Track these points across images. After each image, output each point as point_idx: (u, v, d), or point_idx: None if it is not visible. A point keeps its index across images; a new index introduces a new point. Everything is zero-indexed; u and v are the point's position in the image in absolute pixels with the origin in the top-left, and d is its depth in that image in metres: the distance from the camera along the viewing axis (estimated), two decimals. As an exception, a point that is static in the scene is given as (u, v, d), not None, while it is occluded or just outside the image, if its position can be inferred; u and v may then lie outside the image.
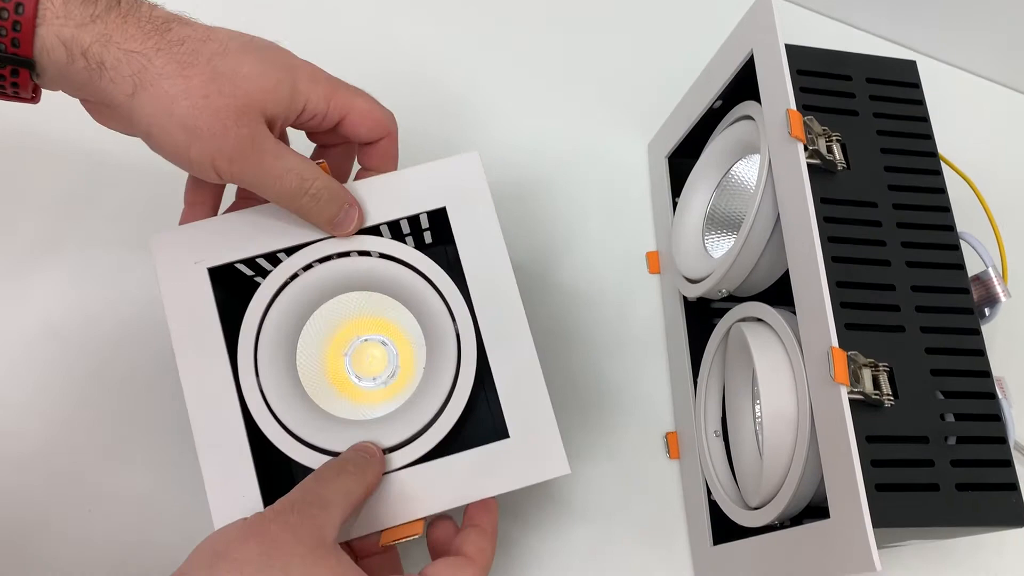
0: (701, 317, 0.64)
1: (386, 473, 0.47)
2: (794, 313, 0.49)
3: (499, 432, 0.48)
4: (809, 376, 0.47)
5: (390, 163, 0.52)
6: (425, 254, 0.50)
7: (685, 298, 0.64)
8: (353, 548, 0.49)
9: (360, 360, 0.53)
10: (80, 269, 0.63)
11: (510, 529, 0.61)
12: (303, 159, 0.47)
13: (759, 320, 0.53)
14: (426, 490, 0.47)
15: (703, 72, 0.62)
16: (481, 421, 0.53)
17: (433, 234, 0.56)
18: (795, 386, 0.48)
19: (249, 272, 0.52)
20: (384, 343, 0.53)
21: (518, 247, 0.68)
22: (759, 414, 0.56)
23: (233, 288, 0.51)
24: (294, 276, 0.50)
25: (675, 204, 0.66)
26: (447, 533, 0.48)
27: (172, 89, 0.42)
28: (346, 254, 0.50)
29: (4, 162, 0.66)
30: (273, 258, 0.51)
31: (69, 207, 0.65)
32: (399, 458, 0.48)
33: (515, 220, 0.69)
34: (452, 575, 0.44)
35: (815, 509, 0.49)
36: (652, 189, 0.70)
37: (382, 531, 0.47)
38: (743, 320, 0.54)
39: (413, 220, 0.52)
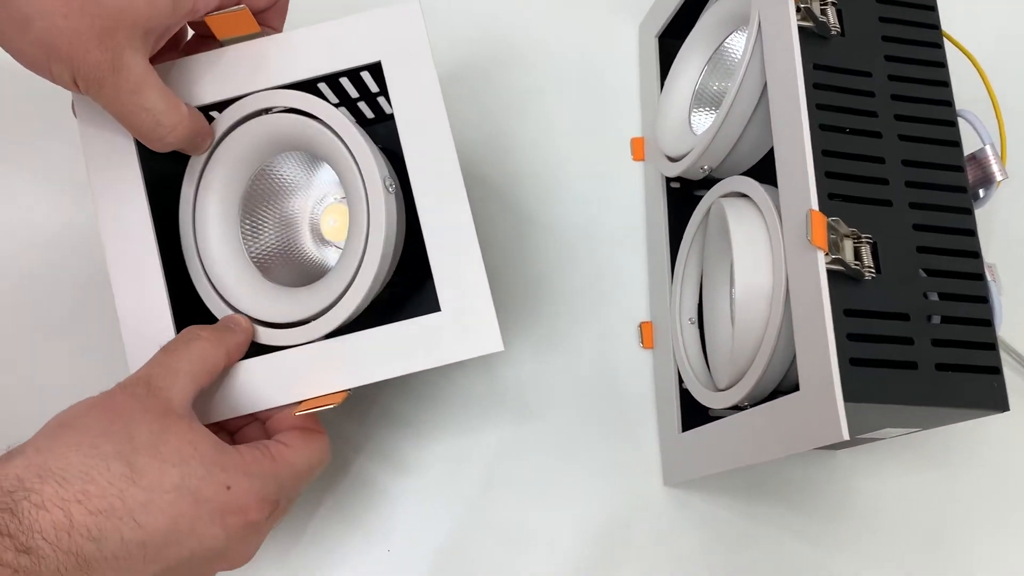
0: (683, 204, 0.61)
1: (301, 345, 0.45)
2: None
3: (430, 307, 0.45)
4: (787, 245, 0.44)
5: (283, 20, 0.49)
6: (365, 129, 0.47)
7: (668, 184, 0.61)
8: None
9: (324, 222, 0.51)
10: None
11: (472, 424, 0.59)
12: (166, 97, 0.43)
13: (741, 196, 0.50)
14: (350, 362, 0.45)
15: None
16: (425, 297, 0.50)
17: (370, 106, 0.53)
18: (772, 261, 0.46)
19: None
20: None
21: (489, 130, 0.65)
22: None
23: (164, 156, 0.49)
24: (226, 133, 0.47)
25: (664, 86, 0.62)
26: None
27: (27, 8, 0.38)
28: (266, 111, 0.47)
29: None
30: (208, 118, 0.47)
31: None
32: (313, 330, 0.46)
33: (487, 100, 0.65)
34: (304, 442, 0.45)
35: (782, 394, 0.47)
36: (641, 72, 0.67)
37: (299, 402, 0.45)
38: (724, 196, 0.51)
39: (358, 85, 0.49)
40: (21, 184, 0.62)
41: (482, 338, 0.44)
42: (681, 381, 0.56)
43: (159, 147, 0.44)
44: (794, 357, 0.45)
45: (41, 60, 0.40)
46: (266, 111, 0.47)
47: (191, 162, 0.47)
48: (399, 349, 0.45)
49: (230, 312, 0.46)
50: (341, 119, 0.45)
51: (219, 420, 0.46)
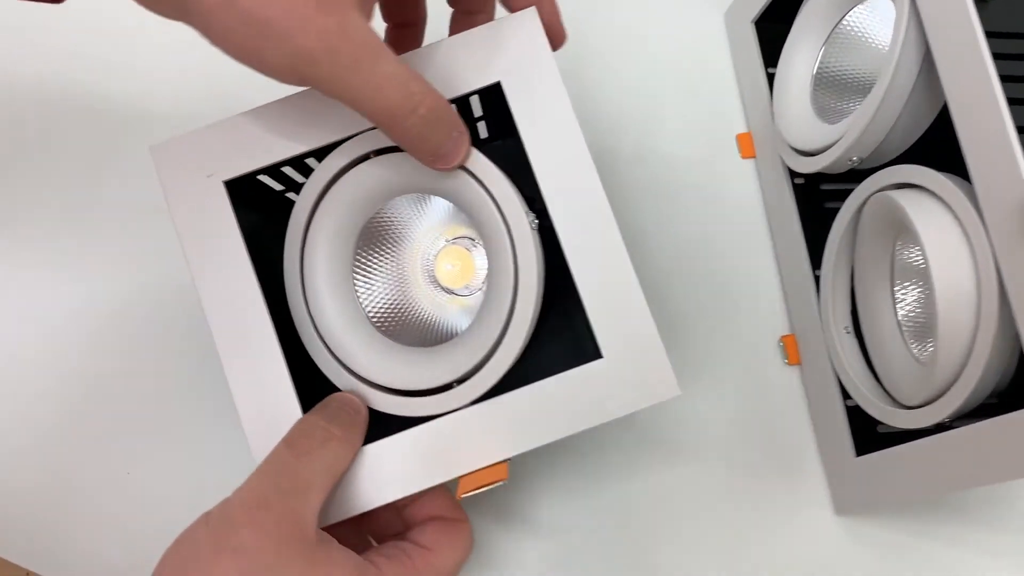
0: (812, 200, 0.55)
1: (449, 413, 0.40)
2: (951, 174, 0.41)
3: (588, 354, 0.40)
4: (995, 240, 0.38)
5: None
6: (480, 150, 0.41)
7: (793, 180, 0.55)
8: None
9: (440, 268, 0.46)
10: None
11: (612, 472, 0.53)
12: (406, 65, 0.36)
13: (910, 187, 0.44)
14: (508, 427, 0.39)
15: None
16: (565, 344, 0.45)
17: (490, 125, 0.46)
18: (972, 259, 0.40)
19: (278, 187, 0.44)
20: (468, 245, 0.45)
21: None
22: (905, 301, 0.48)
23: (259, 208, 0.43)
24: (332, 182, 0.41)
25: (770, 76, 0.57)
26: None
27: None
28: (384, 151, 0.41)
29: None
30: (304, 166, 0.42)
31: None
32: (462, 395, 0.40)
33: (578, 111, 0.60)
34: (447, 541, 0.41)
35: (989, 407, 0.42)
36: (736, 63, 0.61)
37: (460, 478, 0.39)
38: (883, 190, 0.45)
39: (462, 106, 0.43)
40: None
41: (655, 383, 0.39)
42: (845, 396, 0.51)
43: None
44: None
45: (251, 42, 0.33)
46: (381, 151, 0.41)
47: (294, 215, 0.41)
48: (562, 405, 0.39)
49: (356, 382, 0.41)
50: (480, 157, 0.40)
51: (347, 518, 0.40)
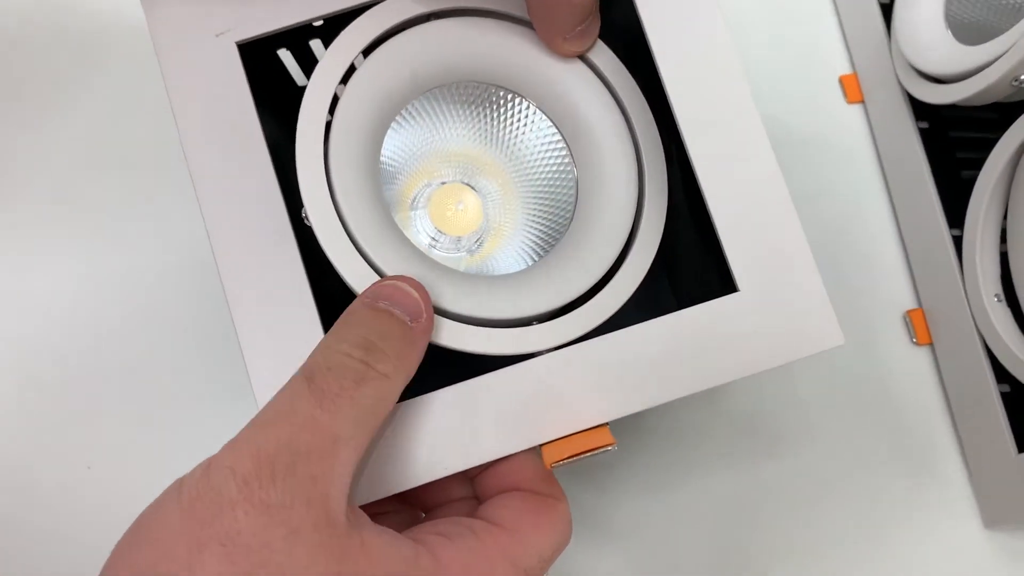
0: (941, 148, 0.46)
1: (535, 355, 0.29)
2: None
3: (717, 287, 0.30)
4: None
5: None
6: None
7: (917, 123, 0.46)
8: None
9: (442, 211, 0.36)
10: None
11: (694, 469, 0.44)
12: None
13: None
14: (619, 377, 0.29)
15: None
16: (684, 278, 0.35)
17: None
18: None
19: (291, 61, 0.35)
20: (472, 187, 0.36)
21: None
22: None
23: (266, 90, 0.33)
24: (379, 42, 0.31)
25: (882, 6, 0.48)
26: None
27: None
28: (449, 12, 0.32)
29: None
30: (331, 34, 0.32)
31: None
32: (552, 335, 0.30)
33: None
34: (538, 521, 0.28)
35: None
36: (836, -6, 0.52)
37: (546, 444, 0.29)
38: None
39: None
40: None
41: (811, 327, 0.29)
42: (999, 378, 0.41)
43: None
44: None
45: None
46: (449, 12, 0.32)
47: (318, 74, 0.31)
48: (687, 351, 0.29)
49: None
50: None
51: (392, 494, 0.29)
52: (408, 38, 0.31)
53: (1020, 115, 0.39)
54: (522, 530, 0.28)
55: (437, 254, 0.36)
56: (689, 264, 0.34)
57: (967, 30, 0.43)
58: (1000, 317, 0.41)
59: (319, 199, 0.29)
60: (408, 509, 0.32)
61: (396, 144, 0.34)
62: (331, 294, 0.30)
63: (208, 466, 0.24)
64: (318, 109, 0.30)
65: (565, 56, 0.32)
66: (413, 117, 0.34)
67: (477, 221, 0.36)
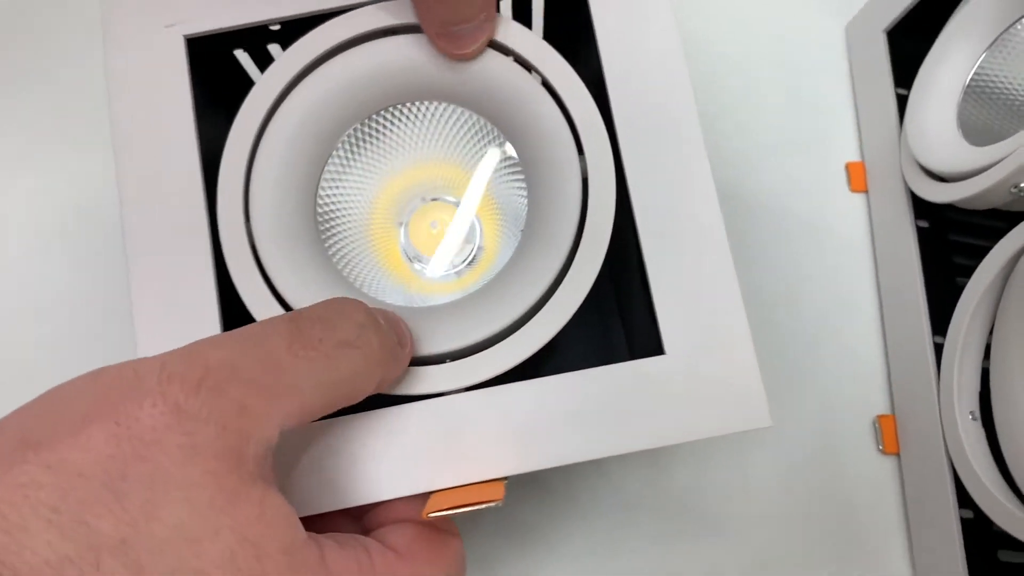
0: (937, 250, 0.44)
1: (440, 395, 0.27)
2: None
3: (639, 349, 0.28)
4: None
5: None
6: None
7: (916, 223, 0.44)
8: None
9: (419, 231, 0.35)
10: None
11: (620, 542, 0.41)
12: None
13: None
14: (525, 429, 0.27)
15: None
16: (594, 341, 0.33)
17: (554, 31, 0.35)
18: None
19: (249, 63, 0.33)
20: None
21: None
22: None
23: (218, 91, 0.32)
24: (311, 67, 0.30)
25: (899, 97, 0.46)
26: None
27: None
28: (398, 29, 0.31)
29: None
30: (288, 38, 0.31)
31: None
32: (466, 372, 0.28)
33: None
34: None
35: None
36: (855, 80, 0.50)
37: (431, 493, 0.27)
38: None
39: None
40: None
41: (739, 405, 0.27)
42: (961, 502, 0.38)
43: None
44: None
45: None
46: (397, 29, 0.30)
47: (257, 90, 0.30)
48: (605, 410, 0.27)
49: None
50: (544, 48, 0.29)
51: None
52: (348, 59, 0.30)
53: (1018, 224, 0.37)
54: (417, 559, 0.26)
55: (426, 276, 0.35)
56: (641, 318, 0.32)
57: (979, 132, 0.41)
58: (971, 437, 0.38)
59: (231, 209, 0.28)
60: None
61: (357, 165, 0.33)
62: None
63: (142, 358, 0.22)
64: (250, 127, 0.29)
65: (451, 59, 0.30)
66: (368, 140, 0.33)
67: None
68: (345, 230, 0.33)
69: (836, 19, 0.52)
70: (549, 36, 0.31)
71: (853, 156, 0.49)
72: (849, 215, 0.48)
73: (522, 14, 0.34)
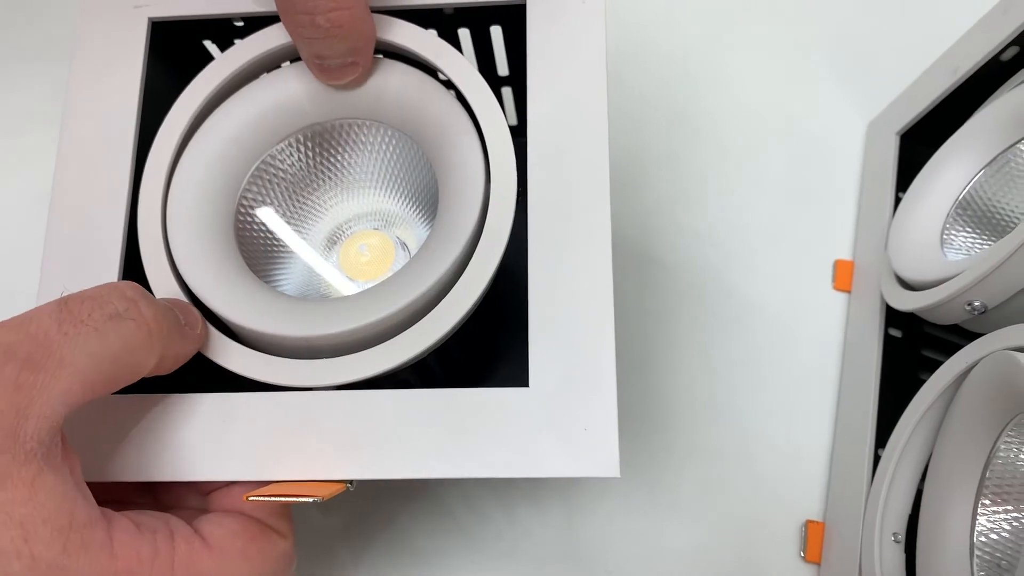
0: (903, 362, 0.42)
1: (308, 389, 0.28)
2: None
3: (508, 378, 0.28)
4: None
5: None
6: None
7: (887, 331, 0.42)
8: None
9: (349, 254, 0.35)
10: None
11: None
12: None
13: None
14: (373, 438, 0.27)
15: (980, 20, 0.41)
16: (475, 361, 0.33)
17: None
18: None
19: (219, 54, 0.34)
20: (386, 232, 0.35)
21: (649, 226, 0.48)
22: (990, 518, 0.34)
23: (187, 77, 0.33)
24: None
25: (898, 201, 0.45)
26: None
27: None
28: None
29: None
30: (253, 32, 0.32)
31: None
32: (343, 369, 0.28)
33: (662, 184, 0.49)
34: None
35: None
36: (865, 178, 0.49)
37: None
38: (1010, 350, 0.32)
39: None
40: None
41: (590, 450, 0.26)
42: (865, 629, 0.36)
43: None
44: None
45: None
46: None
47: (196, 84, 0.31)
48: (460, 431, 0.27)
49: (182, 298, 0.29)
50: (474, 77, 0.30)
51: (127, 481, 0.27)
52: (269, 81, 0.31)
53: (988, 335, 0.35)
54: (226, 553, 0.26)
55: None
56: (517, 348, 0.31)
57: (959, 249, 0.39)
58: (888, 561, 0.36)
59: (151, 199, 0.30)
60: (155, 505, 0.30)
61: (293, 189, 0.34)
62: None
63: None
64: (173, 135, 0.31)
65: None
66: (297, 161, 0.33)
67: (383, 268, 0.35)
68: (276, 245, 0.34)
69: (862, 116, 0.51)
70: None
71: (846, 254, 0.47)
72: (827, 312, 0.46)
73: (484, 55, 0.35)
